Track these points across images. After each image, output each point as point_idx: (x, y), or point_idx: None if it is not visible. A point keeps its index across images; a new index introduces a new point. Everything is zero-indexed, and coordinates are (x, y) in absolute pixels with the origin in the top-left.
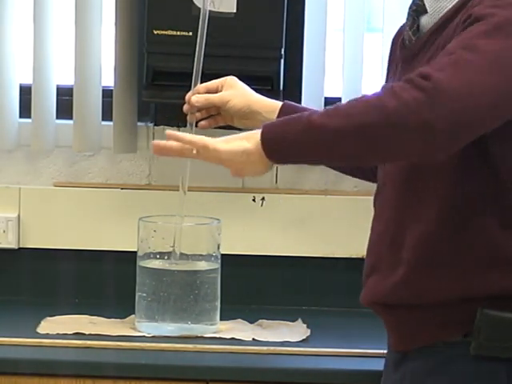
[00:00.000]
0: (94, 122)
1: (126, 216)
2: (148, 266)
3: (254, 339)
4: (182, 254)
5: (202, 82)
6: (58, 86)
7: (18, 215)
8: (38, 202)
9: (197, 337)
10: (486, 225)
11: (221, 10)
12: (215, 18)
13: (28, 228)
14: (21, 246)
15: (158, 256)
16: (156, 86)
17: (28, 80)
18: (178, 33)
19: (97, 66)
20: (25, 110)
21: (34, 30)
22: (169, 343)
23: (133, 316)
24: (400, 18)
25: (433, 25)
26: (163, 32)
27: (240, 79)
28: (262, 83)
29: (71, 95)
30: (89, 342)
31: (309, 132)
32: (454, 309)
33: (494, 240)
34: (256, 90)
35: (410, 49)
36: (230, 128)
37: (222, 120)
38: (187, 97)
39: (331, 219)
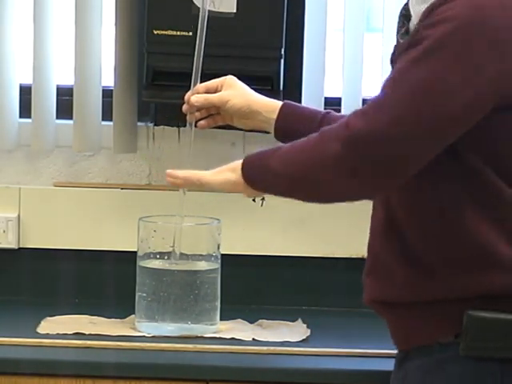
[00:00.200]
0: (94, 122)
1: (126, 216)
2: (148, 265)
3: (254, 339)
4: (182, 253)
5: (201, 82)
6: (57, 86)
7: (18, 215)
8: (38, 201)
9: (197, 337)
10: (472, 225)
11: (221, 10)
12: (215, 18)
13: (28, 228)
14: (21, 246)
15: (158, 256)
16: (156, 85)
17: (28, 80)
18: (178, 33)
19: (97, 66)
20: (25, 110)
21: (34, 30)
22: (169, 343)
23: (133, 316)
24: None
25: (413, 28)
26: (163, 32)
27: (240, 79)
28: (262, 83)
29: (71, 95)
30: (89, 342)
31: (266, 175)
32: (446, 309)
33: (481, 240)
34: (256, 90)
35: (394, 52)
36: (229, 128)
37: (222, 119)
38: (186, 96)
39: (331, 219)
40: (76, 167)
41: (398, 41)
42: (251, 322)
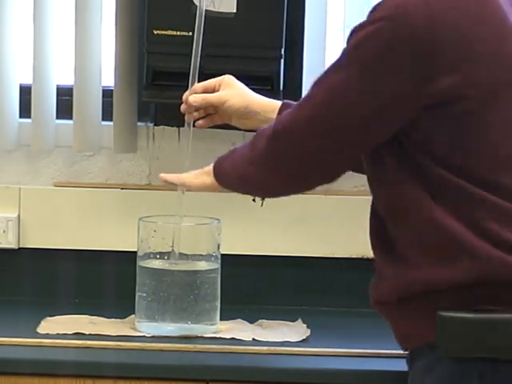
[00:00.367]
0: (94, 122)
1: (126, 216)
2: (148, 265)
3: (253, 339)
4: (182, 254)
5: (200, 82)
6: (58, 86)
7: (18, 215)
8: (37, 201)
9: (197, 337)
10: (439, 218)
11: (221, 10)
12: (215, 18)
13: (28, 228)
14: (21, 246)
15: (157, 256)
16: (156, 86)
17: (28, 80)
18: (178, 33)
19: (97, 66)
20: (25, 110)
21: (34, 30)
22: (169, 343)
23: (133, 316)
24: None
25: None
26: (163, 32)
27: (240, 79)
28: (262, 83)
29: (71, 95)
30: (89, 342)
31: (226, 176)
32: (424, 309)
33: (450, 232)
34: (256, 90)
35: None
36: (229, 128)
37: (220, 119)
38: (184, 96)
39: (331, 219)
40: (76, 167)
41: None
42: (251, 322)
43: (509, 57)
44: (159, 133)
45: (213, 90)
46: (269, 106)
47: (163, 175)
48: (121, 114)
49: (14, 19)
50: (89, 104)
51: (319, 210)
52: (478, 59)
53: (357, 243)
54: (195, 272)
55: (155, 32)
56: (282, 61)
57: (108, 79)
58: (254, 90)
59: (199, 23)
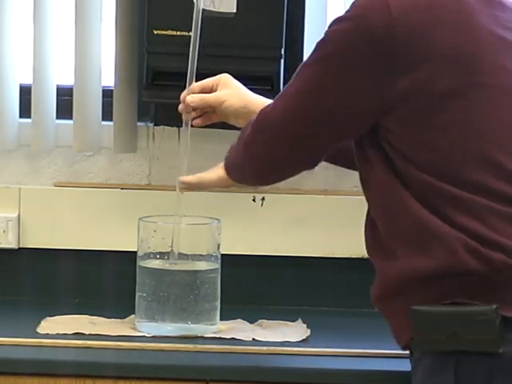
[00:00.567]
0: (94, 122)
1: (126, 216)
2: (148, 265)
3: (253, 339)
4: (182, 254)
5: (198, 81)
6: (58, 86)
7: (18, 215)
8: (37, 201)
9: (197, 337)
10: (412, 208)
11: (221, 10)
12: (215, 18)
13: (28, 228)
14: (21, 246)
15: (157, 256)
16: (156, 86)
17: (28, 80)
18: (178, 33)
19: (97, 66)
20: (25, 110)
21: (34, 30)
22: (169, 343)
23: (133, 316)
24: None
25: None
26: (163, 32)
27: (240, 79)
28: (262, 83)
29: (71, 95)
30: (89, 342)
31: (232, 167)
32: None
33: (420, 219)
34: (256, 90)
35: None
36: (228, 127)
37: (217, 117)
38: (182, 96)
39: (331, 219)
40: (76, 167)
41: None
42: (251, 322)
43: (470, 57)
44: (159, 133)
45: (210, 90)
46: None
47: (183, 178)
48: (121, 114)
49: (14, 19)
50: (89, 104)
51: (319, 210)
52: (438, 60)
53: (357, 243)
54: (195, 272)
55: (155, 32)
56: (282, 61)
57: (108, 79)
58: (253, 90)
59: (196, 22)
